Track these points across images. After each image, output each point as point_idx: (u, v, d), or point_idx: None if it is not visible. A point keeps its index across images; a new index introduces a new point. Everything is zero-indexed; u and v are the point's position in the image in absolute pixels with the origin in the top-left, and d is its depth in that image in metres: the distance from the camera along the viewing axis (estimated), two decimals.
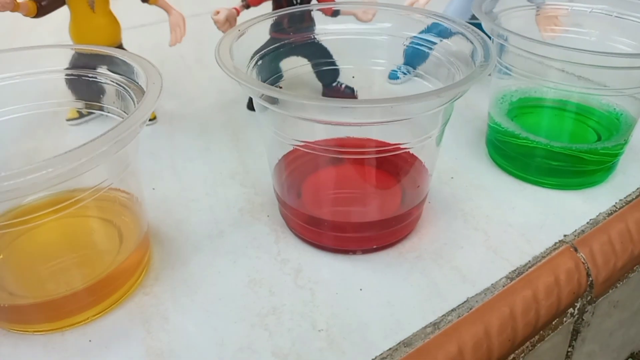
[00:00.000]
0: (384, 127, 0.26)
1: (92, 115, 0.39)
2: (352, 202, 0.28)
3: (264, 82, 0.30)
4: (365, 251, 0.28)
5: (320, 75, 0.40)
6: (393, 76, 0.44)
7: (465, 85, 0.22)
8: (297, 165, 0.29)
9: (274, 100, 0.24)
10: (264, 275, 0.26)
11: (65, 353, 0.23)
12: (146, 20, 0.56)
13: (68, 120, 0.39)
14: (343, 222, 0.28)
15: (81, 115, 0.40)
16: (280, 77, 0.40)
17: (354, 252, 0.28)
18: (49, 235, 0.26)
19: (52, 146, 0.37)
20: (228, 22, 0.37)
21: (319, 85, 0.40)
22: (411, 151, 0.27)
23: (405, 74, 0.44)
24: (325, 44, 0.36)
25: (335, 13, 0.38)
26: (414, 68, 0.42)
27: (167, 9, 0.38)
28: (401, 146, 0.27)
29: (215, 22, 0.37)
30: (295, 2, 0.38)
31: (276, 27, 0.35)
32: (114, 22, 0.37)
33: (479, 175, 0.33)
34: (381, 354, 0.23)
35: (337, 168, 0.29)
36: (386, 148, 0.26)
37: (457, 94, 0.23)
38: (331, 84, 0.41)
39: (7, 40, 0.58)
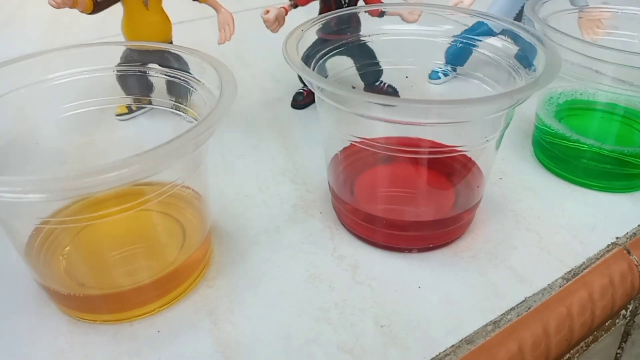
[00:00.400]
0: (442, 129, 0.27)
1: (141, 111, 0.40)
2: (407, 200, 0.29)
3: None
4: (421, 250, 0.28)
5: (364, 75, 0.40)
6: (434, 76, 0.45)
7: (536, 87, 0.22)
8: (353, 161, 0.29)
9: (338, 98, 0.25)
10: (322, 270, 0.27)
11: (135, 343, 0.23)
12: (184, 17, 0.56)
13: (117, 115, 0.40)
14: (398, 220, 0.28)
15: (130, 110, 0.40)
16: (326, 77, 0.41)
17: (409, 251, 0.28)
18: (115, 228, 0.27)
19: (104, 141, 0.38)
20: (277, 21, 0.38)
21: (362, 84, 0.41)
22: (468, 154, 0.28)
23: (446, 74, 0.45)
24: (370, 44, 0.37)
25: (381, 14, 0.39)
26: (455, 68, 0.43)
27: (216, 7, 0.39)
28: (459, 149, 0.27)
29: (265, 22, 0.37)
30: (343, 3, 0.39)
31: (325, 28, 0.36)
32: (166, 20, 0.38)
33: (527, 177, 0.34)
34: (444, 350, 0.23)
35: (393, 166, 0.29)
36: (442, 149, 0.26)
37: (526, 96, 0.23)
38: (374, 83, 0.41)
39: (48, 37, 0.59)
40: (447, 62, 0.44)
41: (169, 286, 0.25)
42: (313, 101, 0.43)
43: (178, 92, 0.31)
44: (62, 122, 0.30)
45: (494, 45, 0.31)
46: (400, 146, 0.27)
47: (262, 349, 0.23)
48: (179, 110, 0.40)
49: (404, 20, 0.37)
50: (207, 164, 0.26)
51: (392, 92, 0.42)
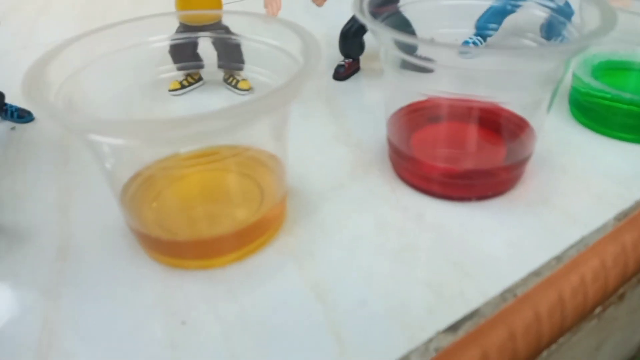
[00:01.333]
0: (498, 85, 0.29)
1: (193, 86, 0.42)
2: (465, 153, 0.31)
3: None
4: (479, 198, 0.30)
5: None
6: (463, 47, 0.46)
7: (595, 37, 0.24)
8: (413, 117, 0.31)
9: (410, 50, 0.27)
10: (389, 220, 0.29)
11: (230, 284, 0.25)
12: None
13: (170, 90, 0.42)
14: (456, 170, 0.30)
15: (182, 86, 0.42)
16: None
17: (468, 199, 0.30)
18: (201, 182, 0.29)
19: (161, 113, 0.39)
20: None
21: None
22: (521, 113, 0.30)
23: (476, 44, 0.47)
24: (406, 14, 0.38)
25: None
26: (485, 38, 0.45)
27: None
28: (507, 106, 0.29)
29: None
30: None
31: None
32: None
33: (567, 133, 0.36)
34: (515, 282, 0.25)
35: (451, 122, 0.31)
36: (497, 108, 0.28)
37: (584, 48, 0.25)
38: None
39: (84, 24, 0.60)
40: (478, 31, 0.46)
41: (250, 236, 0.27)
42: (354, 73, 0.45)
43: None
44: (119, 94, 0.32)
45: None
46: (459, 102, 0.30)
47: (348, 286, 0.25)
48: (230, 84, 0.42)
49: None
50: (288, 133, 0.27)
51: None
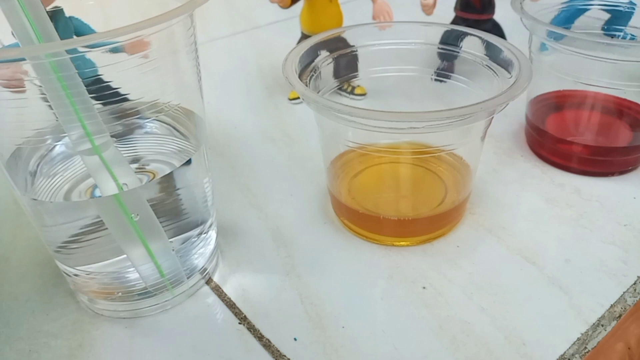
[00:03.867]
0: None
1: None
2: (609, 131, 0.36)
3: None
4: (621, 173, 0.35)
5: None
6: (543, 48, 0.52)
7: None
8: (558, 102, 0.36)
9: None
10: (553, 195, 0.34)
11: (446, 256, 0.29)
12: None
13: (290, 99, 0.45)
14: (602, 147, 0.35)
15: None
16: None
17: (612, 174, 0.35)
18: (399, 170, 0.33)
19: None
20: (434, 5, 0.44)
21: None
22: None
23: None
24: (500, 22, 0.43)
25: None
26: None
27: None
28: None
29: (425, 6, 0.44)
30: None
31: (464, 6, 0.43)
32: (340, 11, 0.44)
33: None
34: None
35: (591, 109, 0.36)
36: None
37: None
38: None
39: None
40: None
41: (443, 221, 0.31)
42: None
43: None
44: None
45: None
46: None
47: (547, 249, 0.29)
48: (346, 91, 0.46)
49: None
50: (478, 139, 0.30)
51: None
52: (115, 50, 0.21)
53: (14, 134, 0.23)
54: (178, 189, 0.26)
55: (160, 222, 0.25)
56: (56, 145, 0.25)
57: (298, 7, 0.44)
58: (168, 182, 0.26)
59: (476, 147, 0.30)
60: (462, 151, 0.31)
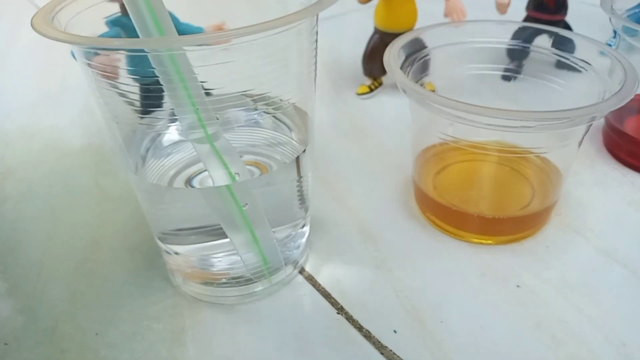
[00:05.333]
0: None
1: (377, 90, 0.46)
2: None
3: None
4: None
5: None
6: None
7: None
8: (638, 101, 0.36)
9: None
10: (635, 199, 0.34)
11: (536, 256, 0.30)
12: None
13: (359, 94, 0.46)
14: None
15: (370, 90, 0.46)
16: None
17: None
18: (488, 168, 0.33)
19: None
20: (509, 4, 0.44)
21: None
22: None
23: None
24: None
25: None
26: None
27: None
28: None
29: (500, 5, 0.44)
30: None
31: (537, 6, 0.43)
32: (416, 8, 0.44)
33: None
34: None
35: None
36: None
37: None
38: None
39: None
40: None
41: (529, 224, 0.31)
42: None
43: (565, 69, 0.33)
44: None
45: None
46: None
47: (636, 253, 0.29)
48: None
49: None
50: (575, 147, 0.29)
51: None
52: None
53: (130, 116, 0.24)
54: (284, 184, 0.27)
55: (265, 213, 0.25)
56: (168, 128, 0.26)
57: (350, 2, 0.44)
58: (276, 176, 0.27)
59: (571, 153, 0.30)
60: (556, 156, 0.31)
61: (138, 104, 0.24)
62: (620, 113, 0.37)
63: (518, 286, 0.28)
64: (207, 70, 0.23)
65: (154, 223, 0.27)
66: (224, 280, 0.27)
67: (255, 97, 0.25)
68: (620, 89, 0.25)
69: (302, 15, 0.21)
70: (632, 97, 0.25)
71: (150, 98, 0.24)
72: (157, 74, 0.22)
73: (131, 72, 0.23)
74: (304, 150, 0.26)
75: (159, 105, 0.25)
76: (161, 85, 0.22)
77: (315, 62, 0.25)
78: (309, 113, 0.26)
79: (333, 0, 0.22)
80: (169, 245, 0.27)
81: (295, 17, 0.20)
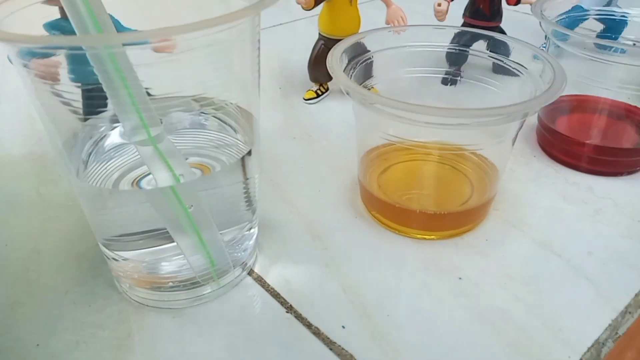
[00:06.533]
0: None
1: (324, 95, 0.47)
2: (617, 133, 0.38)
3: None
4: (629, 173, 0.37)
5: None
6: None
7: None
8: (569, 101, 0.38)
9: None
10: (568, 194, 0.35)
11: (477, 249, 0.31)
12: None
13: (306, 99, 0.46)
14: (611, 147, 0.37)
15: (317, 95, 0.47)
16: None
17: (621, 174, 0.37)
18: (428, 167, 0.34)
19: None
20: (447, 12, 0.46)
21: None
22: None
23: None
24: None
25: (517, 2, 0.48)
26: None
27: (387, 2, 0.46)
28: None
29: (438, 12, 0.45)
30: None
31: (473, 13, 0.45)
32: (359, 14, 0.45)
33: None
34: None
35: (600, 114, 0.38)
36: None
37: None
38: None
39: None
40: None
41: (469, 218, 0.32)
42: None
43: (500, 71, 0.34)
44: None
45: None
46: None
47: (570, 241, 0.31)
48: None
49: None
50: (509, 144, 0.31)
51: None
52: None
53: (70, 119, 0.24)
54: (230, 185, 0.27)
55: (212, 216, 0.25)
56: (111, 132, 0.26)
57: (297, 10, 0.45)
58: (222, 177, 0.27)
59: (506, 150, 0.31)
60: (491, 153, 0.32)
61: (80, 109, 0.24)
62: (553, 113, 0.39)
63: (460, 278, 0.29)
64: (152, 71, 0.23)
65: (98, 229, 0.26)
66: (171, 284, 0.27)
67: (198, 99, 0.25)
68: (550, 87, 0.27)
69: (244, 13, 0.21)
70: (560, 95, 0.26)
71: (93, 103, 0.24)
72: (97, 74, 0.21)
73: (72, 76, 0.22)
74: (250, 152, 0.26)
75: (102, 110, 0.25)
76: (102, 90, 0.22)
77: (259, 63, 0.25)
78: (254, 114, 0.26)
79: (274, 0, 0.22)
80: (114, 252, 0.26)
81: (237, 15, 0.21)
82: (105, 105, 0.24)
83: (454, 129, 0.28)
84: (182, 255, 0.26)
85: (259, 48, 0.25)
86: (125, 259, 0.26)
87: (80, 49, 0.21)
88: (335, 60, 0.29)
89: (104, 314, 0.27)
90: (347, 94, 0.28)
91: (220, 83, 0.25)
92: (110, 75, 0.21)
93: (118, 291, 0.28)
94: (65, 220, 0.33)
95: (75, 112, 0.24)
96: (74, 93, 0.23)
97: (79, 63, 0.22)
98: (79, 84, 0.23)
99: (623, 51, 0.37)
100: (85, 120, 0.24)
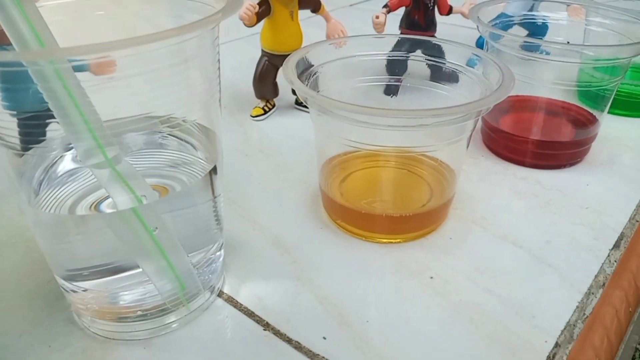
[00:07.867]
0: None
1: (272, 111, 0.47)
2: (555, 128, 0.40)
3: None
4: (571, 164, 0.39)
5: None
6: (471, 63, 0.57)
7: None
8: (510, 101, 0.40)
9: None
10: (519, 188, 0.37)
11: (441, 248, 0.31)
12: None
13: (254, 116, 0.46)
14: (552, 141, 0.39)
15: (264, 111, 0.47)
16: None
17: (564, 166, 0.39)
18: (388, 172, 0.34)
19: (255, 133, 0.44)
20: (385, 24, 0.47)
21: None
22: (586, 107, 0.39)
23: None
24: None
25: (449, 12, 0.50)
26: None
27: (327, 17, 0.47)
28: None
29: (376, 24, 0.47)
30: (429, 5, 0.49)
31: (409, 24, 0.46)
32: (301, 29, 0.45)
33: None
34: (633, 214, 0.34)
35: (538, 112, 0.40)
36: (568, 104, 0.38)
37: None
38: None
39: None
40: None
41: (430, 219, 0.33)
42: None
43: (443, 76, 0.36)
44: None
45: None
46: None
47: (529, 233, 0.32)
48: (302, 106, 0.47)
49: (465, 17, 0.48)
50: (464, 146, 0.32)
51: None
52: (79, 69, 0.21)
53: (9, 156, 0.22)
54: (197, 205, 0.26)
55: (179, 238, 0.24)
56: (63, 156, 0.24)
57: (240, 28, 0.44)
58: (187, 196, 0.26)
59: (461, 151, 0.32)
60: (447, 155, 0.33)
61: (16, 143, 0.22)
62: (495, 113, 0.41)
63: (432, 277, 0.29)
64: (106, 91, 0.22)
65: (56, 259, 0.25)
66: (139, 313, 0.25)
67: (157, 118, 0.24)
68: (501, 84, 0.28)
69: (199, 25, 0.20)
70: (512, 91, 0.28)
71: (32, 132, 0.23)
72: (42, 92, 0.20)
73: (6, 103, 0.21)
74: (214, 169, 0.26)
75: (40, 141, 0.23)
76: (42, 117, 0.20)
77: (219, 77, 0.25)
78: (216, 131, 0.26)
79: (233, 11, 0.22)
80: (73, 283, 0.24)
81: (191, 27, 0.20)
82: (44, 135, 0.23)
83: (415, 130, 0.28)
84: (147, 282, 0.24)
85: (219, 61, 0.24)
86: (85, 290, 0.25)
87: (20, 65, 0.19)
88: (292, 70, 0.29)
89: (67, 353, 0.25)
90: (305, 101, 0.28)
91: (180, 100, 0.24)
92: (58, 94, 0.20)
93: (79, 327, 0.26)
94: (9, 259, 0.31)
95: (11, 147, 0.22)
96: (8, 121, 0.21)
97: (15, 86, 0.20)
98: (14, 112, 0.21)
99: (547, 52, 0.39)
100: (21, 156, 0.23)
